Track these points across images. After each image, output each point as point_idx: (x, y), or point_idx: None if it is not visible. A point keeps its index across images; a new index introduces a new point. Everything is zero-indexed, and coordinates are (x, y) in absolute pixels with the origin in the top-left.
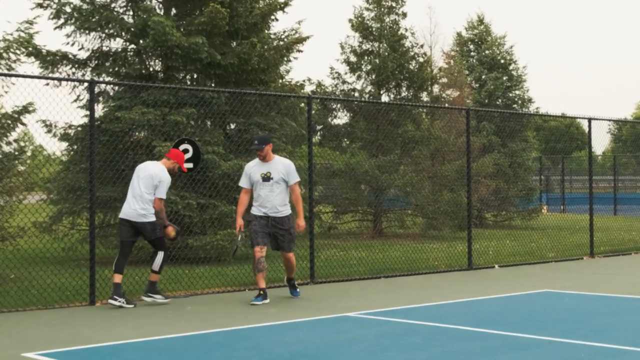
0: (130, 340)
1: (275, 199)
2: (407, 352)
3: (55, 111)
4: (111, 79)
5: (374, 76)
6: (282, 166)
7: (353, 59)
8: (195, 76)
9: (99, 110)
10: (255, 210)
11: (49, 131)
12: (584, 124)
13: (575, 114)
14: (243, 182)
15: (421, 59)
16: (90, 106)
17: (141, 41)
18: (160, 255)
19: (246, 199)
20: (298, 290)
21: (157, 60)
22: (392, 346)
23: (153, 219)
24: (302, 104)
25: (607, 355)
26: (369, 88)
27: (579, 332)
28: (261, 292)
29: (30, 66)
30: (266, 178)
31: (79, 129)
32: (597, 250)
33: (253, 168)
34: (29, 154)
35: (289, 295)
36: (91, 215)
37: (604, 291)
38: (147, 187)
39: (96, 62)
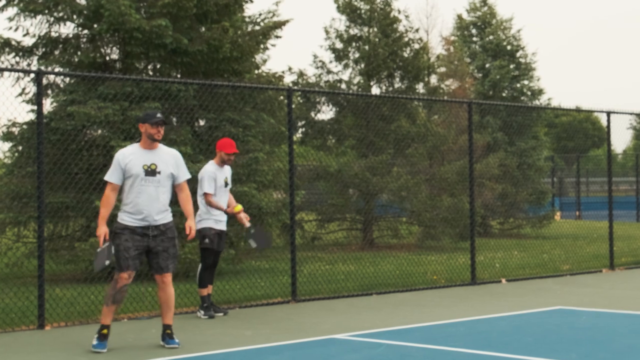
0: None
1: (159, 200)
2: None
3: None
4: (61, 69)
5: (363, 65)
6: (171, 157)
7: (339, 45)
8: (158, 65)
9: (48, 105)
10: (126, 218)
11: None
12: (602, 119)
13: (591, 107)
14: (112, 176)
15: (417, 46)
16: (37, 100)
17: (95, 25)
18: (199, 269)
19: (113, 198)
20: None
21: (114, 47)
22: None
23: (199, 225)
24: (282, 97)
25: None
26: (358, 79)
27: (598, 354)
28: (106, 330)
29: None
30: (150, 172)
31: (25, 126)
32: (617, 261)
33: (130, 157)
34: None
35: (266, 315)
36: (39, 225)
37: (626, 308)
38: (198, 189)
39: (44, 49)
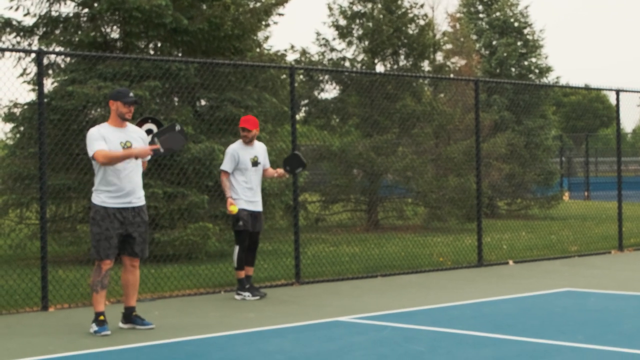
0: (91, 351)
1: (139, 178)
2: None
3: None
4: (62, 48)
5: (367, 42)
6: (140, 136)
7: (342, 22)
8: (159, 44)
9: (49, 85)
10: (108, 200)
11: None
12: (611, 97)
13: (600, 85)
14: (102, 145)
15: (422, 22)
16: (38, 80)
17: (95, 4)
18: (234, 251)
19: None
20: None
21: (114, 27)
22: (390, 355)
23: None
24: (284, 76)
25: None
26: (362, 56)
27: (606, 336)
28: (103, 317)
29: None
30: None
31: (26, 107)
32: (626, 242)
33: (106, 134)
34: None
35: (268, 298)
36: (42, 207)
37: (635, 290)
38: None
39: (44, 29)
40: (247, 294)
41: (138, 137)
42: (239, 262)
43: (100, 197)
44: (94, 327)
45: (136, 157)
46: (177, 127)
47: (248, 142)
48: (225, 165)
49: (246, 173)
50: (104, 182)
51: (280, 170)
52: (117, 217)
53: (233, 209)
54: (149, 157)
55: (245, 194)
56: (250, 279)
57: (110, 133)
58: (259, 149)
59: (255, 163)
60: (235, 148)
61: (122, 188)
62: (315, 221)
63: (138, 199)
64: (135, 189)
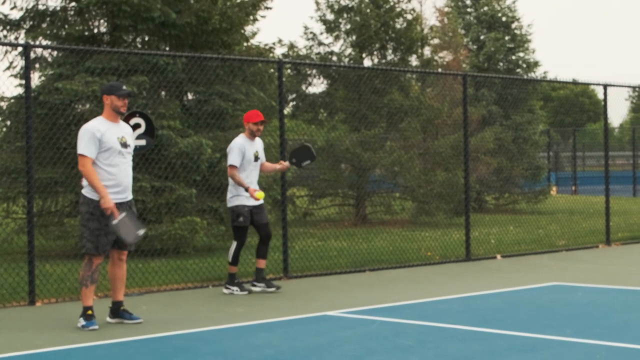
0: (78, 345)
1: (131, 174)
2: (397, 355)
3: None
4: (49, 42)
5: (354, 37)
6: (130, 131)
7: (330, 16)
8: (146, 38)
9: (36, 79)
10: (114, 193)
11: None
12: (599, 92)
13: (588, 80)
14: (90, 150)
15: (409, 16)
16: (25, 74)
17: None
18: (231, 246)
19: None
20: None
21: (102, 20)
22: (379, 349)
23: (231, 203)
24: (272, 70)
25: (626, 356)
26: (349, 51)
27: (594, 330)
28: (91, 311)
29: None
30: (124, 144)
31: (13, 101)
32: (614, 237)
33: (103, 129)
34: None
35: (257, 292)
36: (29, 201)
37: (622, 284)
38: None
39: (31, 22)
40: (235, 288)
41: (129, 133)
42: (234, 257)
43: (95, 193)
44: (82, 322)
45: (134, 128)
46: (142, 232)
47: (253, 137)
48: (235, 160)
49: (247, 168)
50: (101, 177)
51: (285, 163)
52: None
53: (259, 195)
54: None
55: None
56: (262, 272)
57: (108, 129)
58: (259, 144)
59: (256, 158)
60: (242, 143)
61: (120, 183)
62: (303, 215)
63: (130, 193)
64: (130, 183)
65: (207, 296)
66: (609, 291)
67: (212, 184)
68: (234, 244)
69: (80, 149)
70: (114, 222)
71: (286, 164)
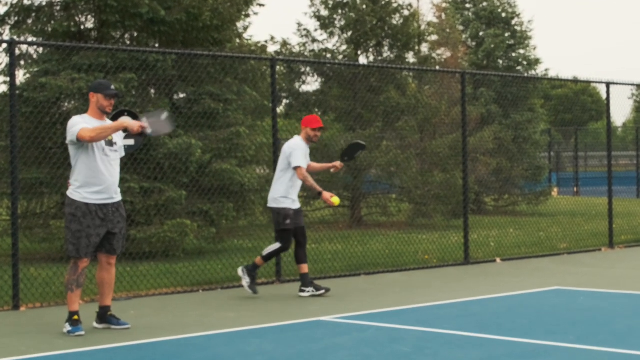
0: (64, 351)
1: (118, 172)
2: None
3: None
4: (35, 38)
5: (349, 33)
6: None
7: (324, 12)
8: (135, 35)
9: (21, 76)
10: (87, 195)
11: None
12: (601, 90)
13: (590, 78)
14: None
15: (406, 12)
16: (10, 71)
17: None
18: (273, 245)
19: None
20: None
21: (89, 16)
22: (375, 356)
23: (278, 205)
24: (265, 68)
25: None
26: (344, 48)
27: (597, 336)
28: (77, 316)
29: None
30: (109, 142)
31: None
32: (617, 240)
33: (89, 125)
34: None
35: (248, 297)
36: (13, 202)
37: (626, 288)
38: (280, 165)
39: (16, 18)
40: (310, 289)
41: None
42: (269, 256)
43: (81, 193)
44: (68, 327)
45: (124, 131)
46: (165, 114)
47: (309, 142)
48: (301, 161)
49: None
50: (83, 176)
51: (337, 163)
52: (99, 215)
53: (335, 200)
54: (131, 143)
55: (292, 193)
56: (307, 276)
57: (92, 125)
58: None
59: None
60: (302, 145)
61: (103, 182)
62: None
63: (117, 193)
64: (115, 183)
65: (197, 301)
66: (612, 296)
67: (202, 185)
68: (277, 245)
69: (72, 134)
70: (149, 132)
71: (338, 163)
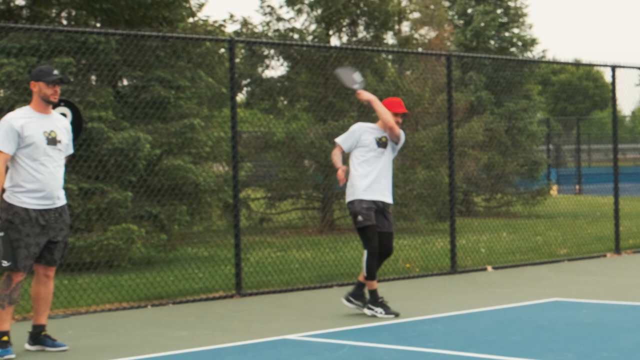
0: None
1: (62, 175)
2: None
3: None
4: None
5: (319, 11)
6: (65, 125)
7: None
8: (73, 13)
9: None
10: (26, 200)
11: None
12: (606, 74)
13: (594, 61)
14: (6, 145)
15: None
16: None
17: None
18: (363, 255)
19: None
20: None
21: None
22: None
23: (347, 198)
24: (222, 50)
25: None
26: (314, 27)
27: (600, 353)
28: (7, 337)
29: None
30: (52, 140)
31: None
32: (624, 244)
33: (25, 121)
34: None
35: (203, 314)
36: None
37: (634, 299)
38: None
39: None
40: (379, 309)
41: (63, 127)
42: (369, 269)
43: (19, 197)
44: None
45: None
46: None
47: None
48: (341, 139)
49: (369, 155)
50: (21, 178)
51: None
52: (39, 222)
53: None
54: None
55: (359, 182)
56: (376, 292)
57: (33, 121)
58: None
59: (380, 144)
60: (368, 128)
61: (46, 186)
62: (259, 222)
63: (59, 198)
64: (59, 187)
65: (146, 318)
66: (618, 308)
67: (152, 185)
68: (364, 253)
69: None
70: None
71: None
